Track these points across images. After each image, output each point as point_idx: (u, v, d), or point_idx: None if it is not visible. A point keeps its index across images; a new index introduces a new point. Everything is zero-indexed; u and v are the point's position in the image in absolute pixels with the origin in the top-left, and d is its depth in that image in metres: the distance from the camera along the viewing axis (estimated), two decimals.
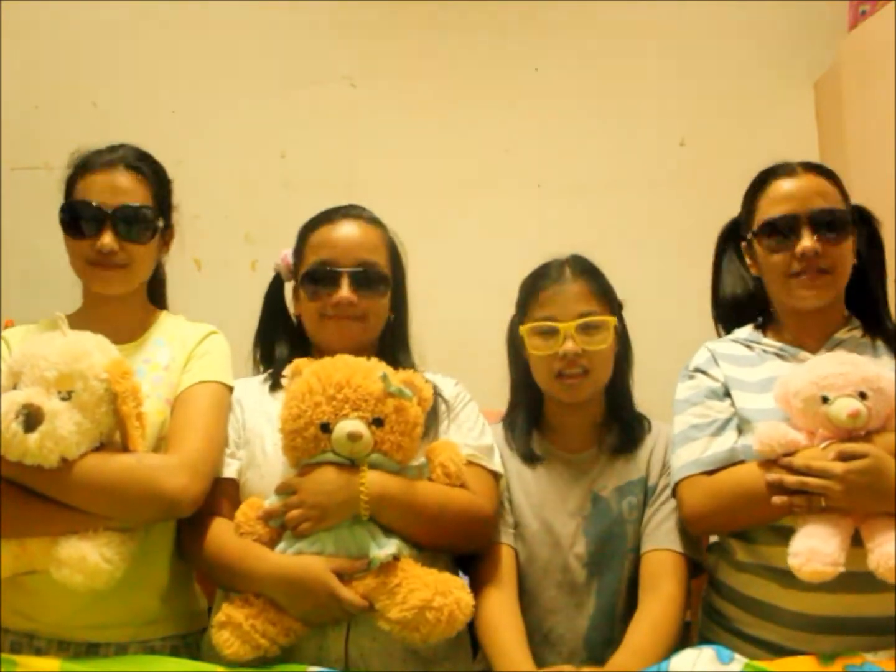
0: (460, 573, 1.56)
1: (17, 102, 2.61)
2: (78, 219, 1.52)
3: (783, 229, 1.51)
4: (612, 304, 1.62)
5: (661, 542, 1.52)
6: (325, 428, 1.35)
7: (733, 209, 1.68)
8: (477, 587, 1.50)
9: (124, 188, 1.52)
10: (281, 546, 1.36)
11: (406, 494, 1.38)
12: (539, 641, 1.53)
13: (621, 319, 1.65)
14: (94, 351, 1.36)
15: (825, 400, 1.35)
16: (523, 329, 1.59)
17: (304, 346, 1.64)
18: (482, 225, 2.72)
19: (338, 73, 2.77)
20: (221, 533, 1.42)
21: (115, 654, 1.42)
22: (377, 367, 1.41)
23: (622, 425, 1.64)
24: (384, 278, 1.59)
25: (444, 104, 2.79)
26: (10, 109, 2.60)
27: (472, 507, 1.46)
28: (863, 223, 1.57)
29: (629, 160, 2.77)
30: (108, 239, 1.49)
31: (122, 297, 1.57)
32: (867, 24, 2.48)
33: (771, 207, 1.53)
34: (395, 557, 1.33)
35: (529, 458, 1.62)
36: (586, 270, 1.61)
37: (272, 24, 2.77)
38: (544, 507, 1.59)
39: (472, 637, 1.52)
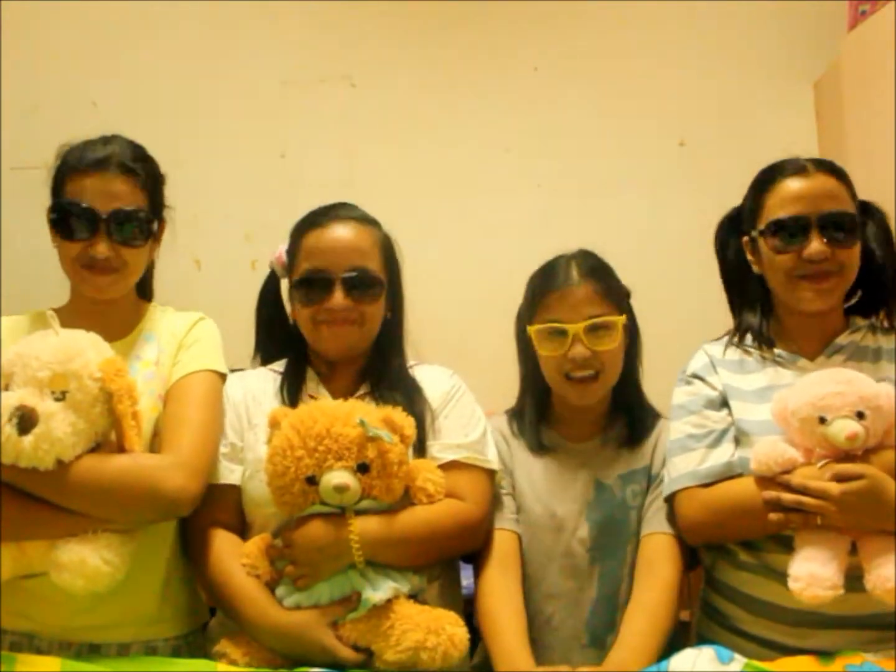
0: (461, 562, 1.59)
1: (17, 102, 2.61)
2: (70, 220, 1.47)
3: (792, 230, 1.47)
4: (620, 302, 1.60)
5: (658, 525, 1.53)
6: (312, 480, 1.34)
7: None
8: (479, 572, 1.51)
9: (117, 192, 1.47)
10: (280, 592, 1.36)
11: (395, 531, 1.38)
12: (541, 626, 1.53)
13: (630, 311, 1.63)
14: (87, 349, 1.32)
15: (823, 420, 1.34)
16: (531, 330, 1.59)
17: (302, 347, 1.63)
18: (482, 225, 2.72)
19: (338, 73, 2.78)
20: (227, 562, 1.41)
21: (117, 655, 1.42)
22: (355, 411, 1.39)
23: (630, 418, 1.64)
24: (378, 281, 1.57)
25: (444, 104, 2.79)
26: (10, 109, 2.60)
27: (461, 517, 1.46)
28: (870, 218, 1.54)
29: (629, 160, 2.77)
30: (102, 246, 1.45)
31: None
32: (867, 24, 2.48)
33: (779, 207, 1.49)
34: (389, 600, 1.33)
35: (538, 448, 1.62)
36: (594, 269, 1.58)
37: (272, 23, 2.77)
38: (547, 494, 1.59)
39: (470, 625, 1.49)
